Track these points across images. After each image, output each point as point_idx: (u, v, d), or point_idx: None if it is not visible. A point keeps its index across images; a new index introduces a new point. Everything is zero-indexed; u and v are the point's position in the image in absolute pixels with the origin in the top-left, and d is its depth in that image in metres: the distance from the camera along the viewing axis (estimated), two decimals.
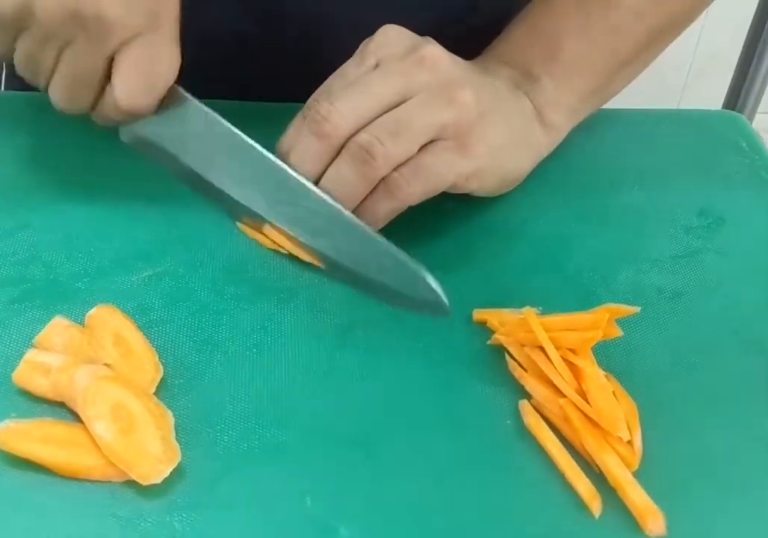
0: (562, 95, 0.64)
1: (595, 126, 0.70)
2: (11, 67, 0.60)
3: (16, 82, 0.68)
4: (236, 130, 0.57)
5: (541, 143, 0.64)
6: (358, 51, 0.58)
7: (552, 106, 0.63)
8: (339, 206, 0.55)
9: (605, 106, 0.69)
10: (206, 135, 0.57)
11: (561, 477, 0.48)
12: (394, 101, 0.55)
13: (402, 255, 0.55)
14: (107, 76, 0.55)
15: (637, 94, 0.81)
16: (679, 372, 0.54)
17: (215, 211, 0.60)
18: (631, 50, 0.66)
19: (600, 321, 0.50)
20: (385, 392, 0.52)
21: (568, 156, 0.67)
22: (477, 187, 0.59)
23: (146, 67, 0.54)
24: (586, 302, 0.55)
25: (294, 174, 0.55)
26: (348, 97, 0.55)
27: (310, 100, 0.56)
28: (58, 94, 0.56)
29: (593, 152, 0.70)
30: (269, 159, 0.56)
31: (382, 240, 0.55)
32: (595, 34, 0.65)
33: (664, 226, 0.65)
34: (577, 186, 0.67)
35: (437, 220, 0.62)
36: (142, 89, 0.55)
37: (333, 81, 0.57)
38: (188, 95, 0.57)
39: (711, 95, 1.55)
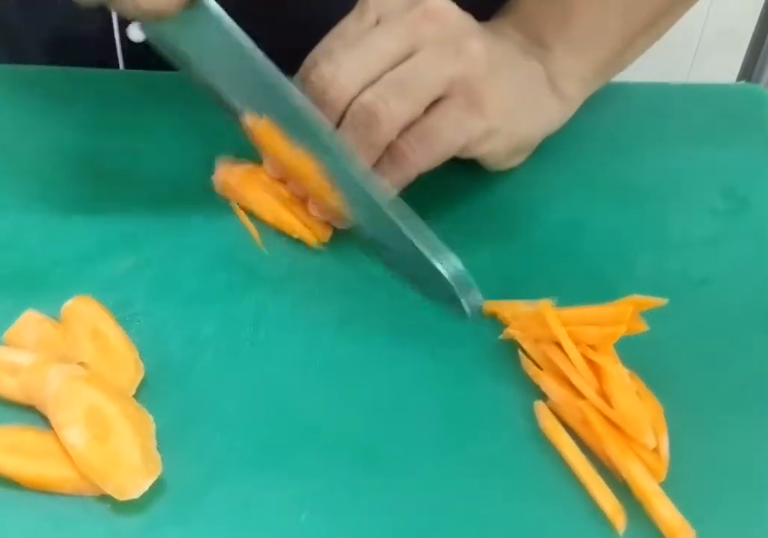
0: (575, 65, 0.62)
1: (609, 101, 0.67)
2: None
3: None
4: (255, 50, 0.53)
5: (553, 110, 0.61)
6: (356, 6, 0.55)
7: (564, 76, 0.61)
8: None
9: (617, 80, 0.67)
10: (223, 49, 0.53)
11: (580, 488, 0.45)
12: (400, 58, 0.53)
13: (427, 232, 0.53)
14: None
15: (645, 69, 0.78)
16: (707, 368, 0.51)
17: (204, 193, 0.58)
18: (645, 19, 0.64)
19: (623, 314, 0.47)
20: (388, 391, 0.49)
21: (583, 134, 0.64)
22: (488, 150, 0.56)
23: None
24: (604, 290, 0.52)
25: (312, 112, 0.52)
26: (351, 58, 0.52)
27: (308, 62, 0.54)
28: None
29: (608, 130, 0.66)
30: (286, 86, 0.52)
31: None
32: (609, 2, 0.62)
33: (685, 208, 0.61)
34: (593, 166, 0.64)
35: (443, 203, 0.59)
36: None
37: (332, 40, 0.55)
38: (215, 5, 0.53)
39: (720, 71, 1.53)
